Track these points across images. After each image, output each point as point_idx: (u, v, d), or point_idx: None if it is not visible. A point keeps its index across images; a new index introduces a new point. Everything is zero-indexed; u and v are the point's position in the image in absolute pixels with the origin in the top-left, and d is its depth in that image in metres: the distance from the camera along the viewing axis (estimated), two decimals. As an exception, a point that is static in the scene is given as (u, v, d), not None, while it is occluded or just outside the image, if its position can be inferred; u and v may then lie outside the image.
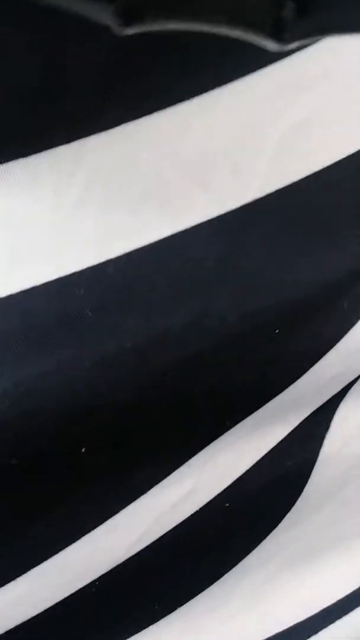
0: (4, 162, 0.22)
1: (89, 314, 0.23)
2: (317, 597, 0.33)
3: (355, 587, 0.33)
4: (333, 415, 0.30)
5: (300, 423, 0.29)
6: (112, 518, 0.26)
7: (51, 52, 0.21)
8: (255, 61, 0.23)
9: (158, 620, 0.29)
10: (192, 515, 0.28)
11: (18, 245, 0.22)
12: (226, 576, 0.30)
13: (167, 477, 0.26)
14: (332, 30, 0.16)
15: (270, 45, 0.16)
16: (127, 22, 0.15)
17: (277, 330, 0.25)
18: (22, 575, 0.25)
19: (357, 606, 0.33)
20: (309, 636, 0.33)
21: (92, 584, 0.27)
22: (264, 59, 0.23)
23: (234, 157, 0.24)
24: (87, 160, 0.22)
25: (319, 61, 0.24)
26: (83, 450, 0.24)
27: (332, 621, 0.33)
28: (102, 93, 0.22)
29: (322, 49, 0.24)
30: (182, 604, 0.29)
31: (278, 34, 0.15)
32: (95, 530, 0.26)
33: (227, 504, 0.28)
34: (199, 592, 0.30)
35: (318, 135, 0.24)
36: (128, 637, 0.29)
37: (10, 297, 0.22)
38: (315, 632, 0.33)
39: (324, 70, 0.24)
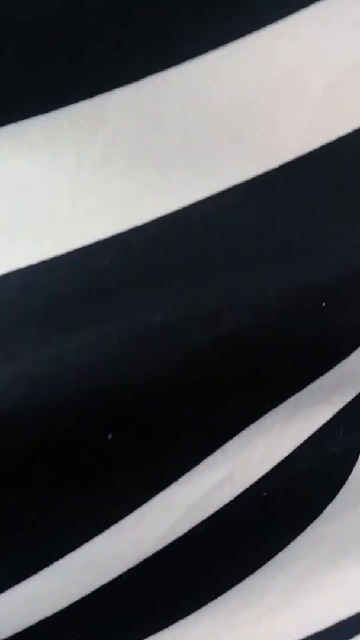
0: (20, 119, 0.21)
1: (115, 286, 0.22)
2: (358, 594, 0.32)
3: None
4: None
5: (345, 406, 0.28)
6: (139, 508, 0.25)
7: None
8: (296, 1, 0.22)
9: (188, 615, 0.29)
10: (225, 505, 0.27)
11: (36, 210, 0.21)
12: (261, 570, 0.29)
13: (200, 464, 0.25)
14: None
15: None
16: None
17: (323, 304, 0.24)
18: (45, 569, 0.25)
19: None
20: (351, 636, 0.32)
21: (119, 578, 0.26)
22: None
23: (273, 109, 0.22)
24: (111, 116, 0.21)
25: None
26: (109, 436, 0.23)
27: None
28: (126, 41, 0.21)
29: None
30: (213, 599, 0.29)
31: None
32: (122, 521, 0.25)
33: (265, 493, 0.27)
34: (231, 587, 0.29)
35: None
36: (156, 633, 0.28)
37: (28, 269, 0.21)
38: (357, 632, 0.32)
39: None
